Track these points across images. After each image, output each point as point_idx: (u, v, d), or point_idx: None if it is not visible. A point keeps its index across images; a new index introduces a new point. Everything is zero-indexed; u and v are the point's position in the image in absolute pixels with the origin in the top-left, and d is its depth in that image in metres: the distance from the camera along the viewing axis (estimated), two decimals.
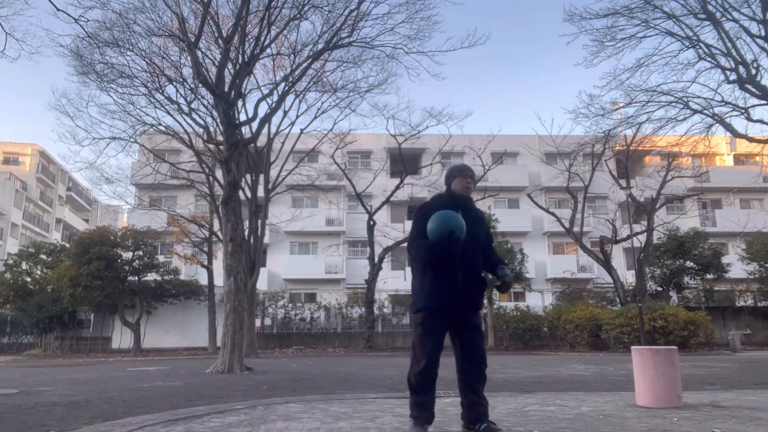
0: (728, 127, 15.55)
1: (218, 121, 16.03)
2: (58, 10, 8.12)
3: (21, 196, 44.89)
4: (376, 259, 23.87)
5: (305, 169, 25.43)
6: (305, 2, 14.59)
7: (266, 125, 18.80)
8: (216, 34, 15.59)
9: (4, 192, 42.75)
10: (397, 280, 28.48)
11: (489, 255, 3.80)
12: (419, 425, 3.43)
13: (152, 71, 17.45)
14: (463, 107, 69.21)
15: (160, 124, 20.20)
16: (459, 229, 3.37)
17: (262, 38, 14.53)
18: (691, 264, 24.63)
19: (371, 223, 24.31)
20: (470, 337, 3.55)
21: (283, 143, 22.29)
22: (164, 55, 17.59)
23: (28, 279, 27.04)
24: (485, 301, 24.40)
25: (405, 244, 4.13)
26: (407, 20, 16.45)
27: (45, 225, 49.02)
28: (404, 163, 25.83)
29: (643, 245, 23.74)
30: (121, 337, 25.22)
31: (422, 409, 3.46)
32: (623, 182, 25.18)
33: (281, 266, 31.48)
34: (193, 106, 18.56)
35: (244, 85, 15.44)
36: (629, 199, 24.35)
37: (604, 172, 27.23)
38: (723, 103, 15.33)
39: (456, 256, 3.44)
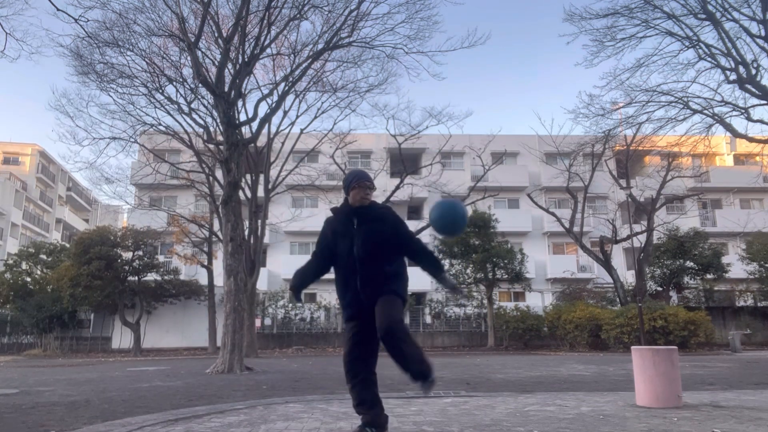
0: (728, 127, 15.54)
1: (218, 121, 16.02)
2: (58, 10, 8.13)
3: (21, 196, 44.89)
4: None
5: (305, 169, 25.43)
6: (305, 2, 14.59)
7: (266, 125, 18.79)
8: (216, 34, 15.59)
9: (4, 192, 42.74)
10: None
11: (411, 252, 3.47)
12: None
13: (152, 71, 17.44)
14: (463, 107, 69.28)
15: (160, 124, 20.19)
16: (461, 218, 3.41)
17: (262, 38, 14.54)
18: (691, 264, 24.64)
19: None
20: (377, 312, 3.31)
21: (283, 143, 22.28)
22: (164, 55, 17.61)
23: (28, 279, 27.06)
24: (485, 301, 24.42)
25: None
26: (407, 20, 16.47)
27: (45, 225, 49.02)
28: (404, 163, 25.82)
29: (643, 245, 23.75)
30: (121, 337, 25.23)
31: (365, 411, 3.36)
32: (623, 182, 25.18)
33: (281, 266, 31.45)
34: (193, 106, 18.56)
35: (244, 85, 15.44)
36: (629, 199, 24.35)
37: (604, 172, 27.24)
38: (723, 103, 15.32)
39: (349, 266, 3.38)
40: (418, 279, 6.78)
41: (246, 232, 20.00)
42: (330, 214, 3.70)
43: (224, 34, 14.37)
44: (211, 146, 18.10)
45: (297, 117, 22.28)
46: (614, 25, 15.52)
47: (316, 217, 32.59)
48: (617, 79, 17.56)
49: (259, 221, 21.20)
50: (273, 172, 22.64)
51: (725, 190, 35.37)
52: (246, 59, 14.26)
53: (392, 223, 3.50)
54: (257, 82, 29.79)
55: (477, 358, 16.82)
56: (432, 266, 3.46)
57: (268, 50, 16.32)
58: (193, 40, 13.11)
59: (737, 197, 36.02)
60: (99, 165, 46.22)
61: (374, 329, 3.25)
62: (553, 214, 25.93)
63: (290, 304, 26.72)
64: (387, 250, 3.40)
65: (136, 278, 24.18)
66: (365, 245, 3.36)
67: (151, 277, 24.88)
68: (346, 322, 3.49)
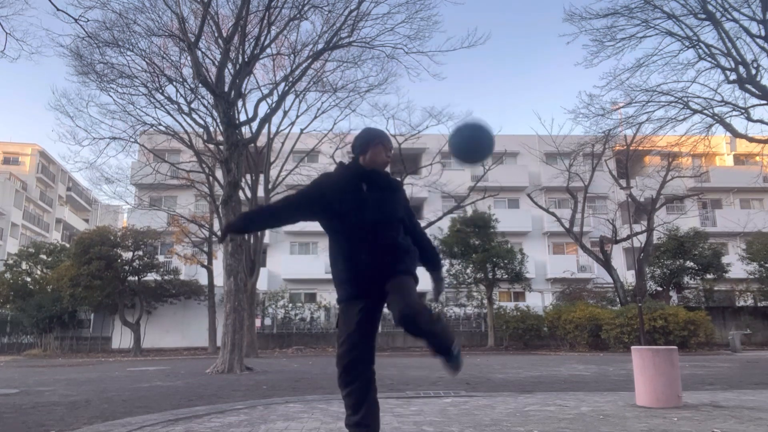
0: (728, 127, 15.55)
1: (218, 121, 16.02)
2: (58, 10, 8.14)
3: (21, 196, 44.90)
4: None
5: (305, 169, 25.39)
6: (305, 2, 14.60)
7: (266, 125, 18.78)
8: (216, 34, 15.59)
9: (4, 192, 42.75)
10: None
11: (416, 239, 3.00)
12: None
13: (152, 71, 17.43)
14: (463, 107, 69.18)
15: (160, 124, 20.17)
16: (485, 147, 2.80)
17: (262, 38, 14.54)
18: (691, 264, 24.64)
19: None
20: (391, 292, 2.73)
21: (283, 143, 22.29)
22: (164, 55, 17.59)
23: (28, 279, 27.06)
24: (485, 301, 24.40)
25: None
26: (407, 20, 16.47)
27: (45, 225, 49.03)
28: (404, 162, 25.81)
29: (643, 245, 23.75)
30: (121, 337, 25.23)
31: (360, 426, 2.70)
32: (623, 182, 25.19)
33: (281, 266, 31.47)
34: (193, 106, 18.55)
35: (244, 85, 15.44)
36: (629, 199, 24.36)
37: (604, 172, 27.24)
38: (723, 103, 15.33)
39: (356, 234, 2.82)
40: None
41: None
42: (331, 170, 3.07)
43: (224, 34, 14.37)
44: (211, 146, 18.10)
45: (297, 117, 22.30)
46: (614, 25, 15.55)
47: None
48: (617, 79, 17.59)
49: None
50: (273, 172, 22.64)
51: (725, 190, 35.37)
52: (246, 59, 14.26)
53: (404, 197, 3.04)
54: (257, 82, 29.77)
55: (477, 358, 16.82)
56: (433, 258, 3.08)
57: (268, 50, 16.33)
58: (193, 40, 13.11)
59: (737, 197, 36.03)
60: (99, 165, 46.28)
61: (380, 313, 2.84)
62: (553, 214, 25.93)
63: (290, 304, 26.70)
64: (398, 223, 2.92)
65: (136, 278, 24.18)
66: (381, 212, 2.83)
67: (151, 277, 24.88)
68: (345, 301, 2.84)
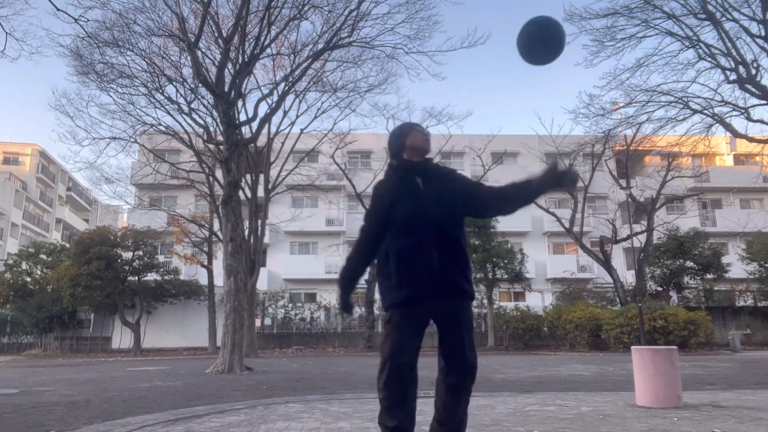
0: (728, 127, 15.55)
1: (218, 121, 16.03)
2: (58, 10, 8.14)
3: (21, 196, 44.89)
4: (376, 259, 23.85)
5: (305, 169, 25.43)
6: (305, 2, 14.60)
7: (266, 125, 18.78)
8: (216, 34, 15.59)
9: (4, 192, 42.74)
10: None
11: (492, 194, 2.90)
12: None
13: (152, 71, 17.44)
14: (463, 107, 69.07)
15: (160, 124, 20.19)
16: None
17: (262, 38, 14.54)
18: (691, 264, 24.64)
19: None
20: (453, 336, 2.64)
21: (283, 143, 22.29)
22: (164, 55, 17.59)
23: (28, 279, 27.06)
24: (485, 301, 24.40)
25: None
26: (407, 20, 16.48)
27: (45, 225, 49.02)
28: None
29: (643, 245, 23.75)
30: (121, 337, 25.24)
31: (396, 430, 2.55)
32: (623, 182, 25.19)
33: (281, 266, 31.48)
34: (193, 106, 18.56)
35: (244, 85, 15.44)
36: (629, 199, 24.35)
37: (604, 172, 27.23)
38: (723, 103, 15.34)
39: (416, 234, 2.61)
40: None
41: (246, 232, 20.00)
42: (382, 180, 2.91)
43: (224, 34, 14.37)
44: (211, 146, 18.11)
45: (297, 117, 22.30)
46: (614, 25, 15.55)
47: (316, 217, 32.65)
48: (617, 79, 17.57)
49: (259, 221, 21.20)
50: (273, 172, 22.64)
51: (725, 190, 35.36)
52: (246, 59, 14.26)
53: (461, 180, 2.88)
54: (257, 82, 29.81)
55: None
56: (519, 186, 2.95)
57: (268, 50, 16.32)
58: (193, 40, 13.11)
59: (737, 197, 36.02)
60: (99, 165, 46.19)
61: (435, 318, 2.63)
62: (553, 214, 25.92)
63: (290, 304, 26.71)
64: (461, 218, 2.78)
65: (136, 278, 24.18)
66: (441, 207, 2.67)
67: (151, 277, 24.88)
68: (400, 306, 2.60)
